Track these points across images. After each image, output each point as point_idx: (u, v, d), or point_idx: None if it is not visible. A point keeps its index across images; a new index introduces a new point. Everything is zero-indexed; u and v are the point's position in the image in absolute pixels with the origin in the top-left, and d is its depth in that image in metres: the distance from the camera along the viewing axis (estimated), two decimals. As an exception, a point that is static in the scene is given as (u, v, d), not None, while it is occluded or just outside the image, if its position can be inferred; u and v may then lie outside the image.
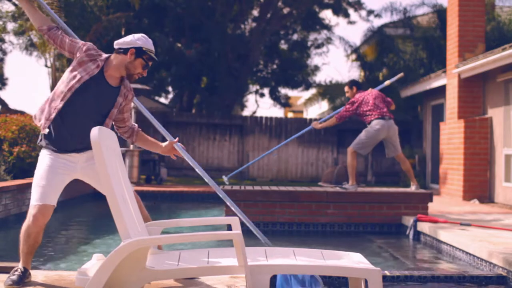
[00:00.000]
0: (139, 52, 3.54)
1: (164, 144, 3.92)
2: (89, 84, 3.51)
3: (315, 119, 17.54)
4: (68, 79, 3.53)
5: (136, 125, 3.88)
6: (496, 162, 10.58)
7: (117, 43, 3.60)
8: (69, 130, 3.49)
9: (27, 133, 9.08)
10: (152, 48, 3.61)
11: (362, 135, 7.78)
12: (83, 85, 3.50)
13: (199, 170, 4.55)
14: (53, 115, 3.49)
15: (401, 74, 8.55)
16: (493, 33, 14.11)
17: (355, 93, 8.06)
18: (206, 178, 4.62)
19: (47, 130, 3.52)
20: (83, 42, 3.68)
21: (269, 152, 8.79)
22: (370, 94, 7.88)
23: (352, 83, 8.18)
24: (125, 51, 3.55)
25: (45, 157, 3.54)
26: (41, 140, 3.58)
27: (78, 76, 3.50)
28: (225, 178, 8.17)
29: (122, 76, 3.62)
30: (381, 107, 7.75)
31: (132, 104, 4.21)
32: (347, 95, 8.17)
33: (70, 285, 3.43)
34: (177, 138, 3.96)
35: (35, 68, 79.02)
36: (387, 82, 8.33)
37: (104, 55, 3.63)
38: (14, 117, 9.50)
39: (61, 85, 3.55)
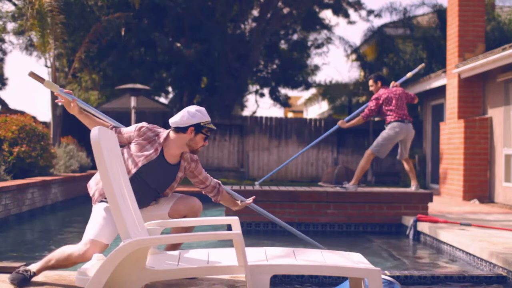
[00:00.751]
0: (198, 128, 3.53)
1: (241, 203, 4.01)
2: (148, 165, 3.52)
3: (315, 119, 17.54)
4: (127, 161, 3.52)
5: (219, 183, 3.89)
6: (496, 162, 10.58)
7: (173, 123, 3.55)
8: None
9: (27, 133, 9.08)
10: (208, 118, 3.57)
11: (380, 137, 7.75)
12: (142, 168, 3.51)
13: (282, 225, 4.50)
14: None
15: (422, 65, 8.50)
16: (493, 33, 14.12)
17: (379, 88, 7.93)
18: (292, 230, 4.55)
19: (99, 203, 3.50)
20: (136, 126, 3.63)
21: (301, 152, 8.76)
22: (394, 92, 7.80)
23: (377, 78, 8.02)
24: (183, 129, 3.53)
25: (102, 206, 3.49)
26: (100, 195, 3.54)
27: (135, 161, 3.51)
28: (256, 183, 8.17)
29: (181, 152, 3.63)
30: (402, 109, 7.72)
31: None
32: (371, 89, 8.06)
33: (70, 285, 3.43)
34: (252, 198, 4.01)
35: (35, 68, 78.88)
36: (409, 74, 8.32)
37: (162, 136, 3.58)
38: (14, 117, 9.51)
39: (126, 160, 3.55)
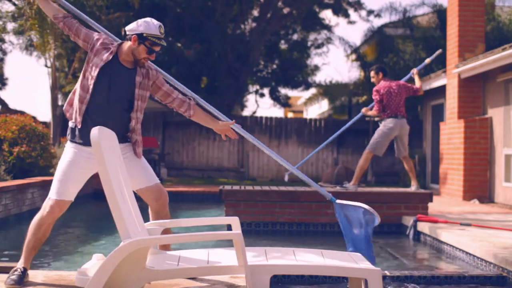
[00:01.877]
0: (140, 38, 3.56)
1: (221, 122, 3.92)
2: (106, 70, 3.55)
3: (315, 119, 17.54)
4: (87, 70, 3.59)
5: (190, 98, 3.87)
6: (496, 162, 10.58)
7: (126, 29, 3.65)
8: (94, 122, 3.45)
9: (27, 133, 9.08)
10: (155, 32, 3.57)
11: (376, 135, 7.79)
12: (101, 72, 3.53)
13: (268, 151, 4.26)
14: (84, 107, 3.53)
15: (439, 51, 8.54)
16: (493, 33, 14.11)
17: (380, 80, 7.95)
18: (277, 157, 4.36)
19: (79, 125, 3.55)
20: (98, 33, 3.75)
21: (325, 144, 8.87)
22: (394, 87, 7.82)
23: (379, 69, 8.03)
24: (130, 37, 3.60)
25: (68, 151, 3.59)
26: (68, 134, 3.64)
27: (95, 65, 3.55)
28: (286, 177, 8.28)
29: (135, 62, 3.66)
30: (399, 105, 7.77)
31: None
32: (372, 80, 8.07)
33: (70, 285, 3.43)
34: (233, 121, 3.95)
35: (35, 68, 78.99)
36: (427, 60, 8.42)
37: (116, 43, 3.69)
38: (14, 117, 9.50)
39: (83, 78, 3.60)
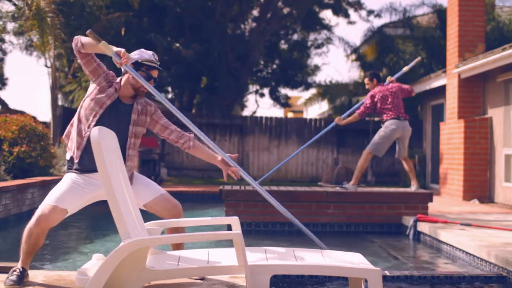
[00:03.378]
0: (136, 66, 3.64)
1: (220, 157, 3.77)
2: (107, 107, 3.58)
3: (315, 119, 17.54)
4: (91, 105, 3.58)
5: (191, 133, 3.82)
6: (496, 162, 10.58)
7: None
8: (91, 155, 3.37)
9: (27, 133, 9.07)
10: (149, 57, 3.67)
11: (377, 136, 7.78)
12: (106, 109, 3.57)
13: (269, 198, 4.12)
14: (84, 142, 3.55)
15: (418, 59, 8.47)
16: (493, 33, 14.11)
17: (375, 86, 7.97)
18: (281, 209, 4.12)
19: (77, 159, 3.55)
20: (106, 70, 3.73)
21: (299, 151, 8.77)
22: (390, 90, 7.82)
23: (373, 76, 8.05)
24: (126, 71, 3.62)
25: (67, 177, 3.56)
26: (65, 165, 3.66)
27: (101, 102, 3.57)
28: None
29: (135, 94, 3.68)
30: (399, 107, 7.76)
31: None
32: (367, 87, 8.08)
33: (70, 285, 3.43)
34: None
35: (35, 68, 79.04)
36: (405, 69, 8.29)
37: (117, 78, 3.72)
38: (14, 117, 9.50)
39: (85, 111, 3.59)
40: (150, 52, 3.71)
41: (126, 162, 3.59)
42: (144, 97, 3.77)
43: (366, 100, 7.85)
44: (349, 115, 8.10)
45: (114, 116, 3.59)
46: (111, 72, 3.74)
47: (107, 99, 3.58)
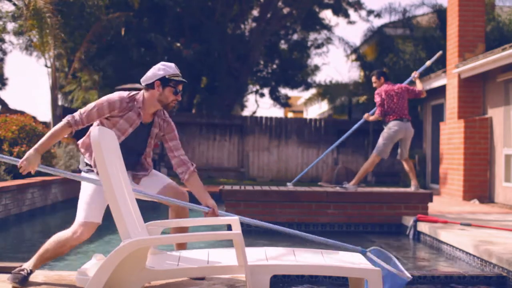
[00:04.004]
0: (164, 81, 3.54)
1: (211, 201, 3.72)
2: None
3: (315, 119, 17.54)
4: (107, 125, 3.53)
5: (192, 164, 3.77)
6: (496, 162, 10.58)
7: (142, 81, 3.60)
8: None
9: (27, 133, 9.08)
10: (175, 71, 3.58)
11: (381, 138, 7.82)
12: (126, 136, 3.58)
13: (280, 230, 3.89)
14: None
15: (439, 53, 8.50)
16: (493, 33, 14.11)
17: (382, 84, 7.99)
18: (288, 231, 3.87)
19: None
20: (108, 103, 3.53)
21: (333, 147, 8.98)
22: (396, 90, 7.84)
23: (380, 74, 8.07)
24: (151, 85, 3.56)
25: (89, 184, 3.54)
26: (84, 166, 3.63)
27: (123, 129, 3.55)
28: (289, 184, 8.23)
29: (156, 110, 3.64)
30: (403, 108, 7.78)
31: None
32: (374, 85, 8.10)
33: (70, 285, 3.43)
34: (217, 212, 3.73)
35: (35, 68, 79.03)
36: (428, 63, 8.36)
37: (139, 99, 3.59)
38: (14, 117, 9.51)
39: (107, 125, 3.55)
40: (173, 65, 3.61)
41: (141, 165, 3.68)
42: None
43: (375, 99, 7.92)
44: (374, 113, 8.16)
45: (135, 136, 3.60)
46: (124, 96, 3.56)
47: (129, 127, 3.56)
